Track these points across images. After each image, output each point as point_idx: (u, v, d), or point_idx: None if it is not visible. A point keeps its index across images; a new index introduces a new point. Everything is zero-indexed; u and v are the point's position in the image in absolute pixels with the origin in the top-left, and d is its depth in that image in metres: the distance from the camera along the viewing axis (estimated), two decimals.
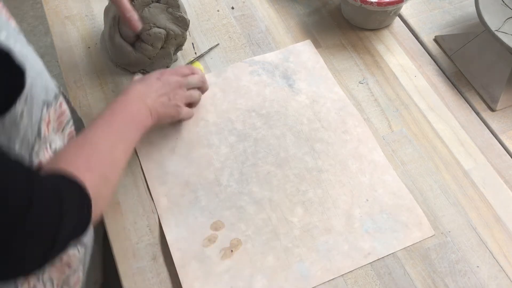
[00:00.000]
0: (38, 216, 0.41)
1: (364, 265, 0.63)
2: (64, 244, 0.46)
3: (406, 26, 0.87)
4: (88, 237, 0.65)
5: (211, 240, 0.64)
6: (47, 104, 0.51)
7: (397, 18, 0.88)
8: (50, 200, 0.43)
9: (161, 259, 0.64)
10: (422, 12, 0.89)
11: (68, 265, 0.58)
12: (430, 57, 0.83)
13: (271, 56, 0.82)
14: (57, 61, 0.82)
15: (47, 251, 0.43)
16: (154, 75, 0.68)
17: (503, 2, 0.76)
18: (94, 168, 0.52)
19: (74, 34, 0.84)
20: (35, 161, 0.51)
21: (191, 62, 0.80)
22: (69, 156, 0.52)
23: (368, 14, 0.82)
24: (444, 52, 0.83)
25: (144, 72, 0.79)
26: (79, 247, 0.61)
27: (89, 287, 0.70)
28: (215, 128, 0.74)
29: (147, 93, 0.65)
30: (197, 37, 0.85)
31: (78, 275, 0.62)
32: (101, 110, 0.61)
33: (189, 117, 0.73)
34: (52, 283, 0.56)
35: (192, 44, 0.84)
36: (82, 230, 0.48)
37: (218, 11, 0.89)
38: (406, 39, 0.85)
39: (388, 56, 0.83)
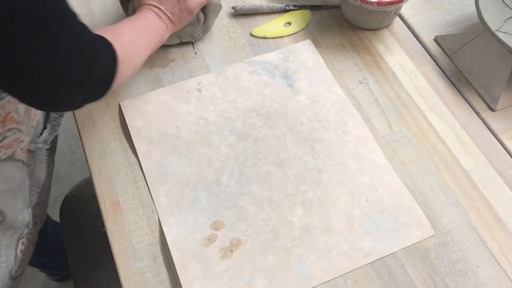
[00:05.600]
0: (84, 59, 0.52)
1: (364, 265, 0.63)
2: (92, 88, 0.54)
3: (406, 26, 0.87)
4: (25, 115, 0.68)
5: (211, 239, 0.64)
6: None
7: (397, 18, 0.88)
8: (95, 51, 0.53)
9: (161, 259, 0.64)
10: (422, 12, 0.89)
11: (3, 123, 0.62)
12: (430, 57, 0.83)
13: (271, 56, 0.82)
14: None
15: (79, 87, 0.52)
16: None
17: (503, 2, 0.76)
18: (121, 45, 0.59)
19: None
20: None
21: None
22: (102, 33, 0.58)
23: (368, 14, 0.82)
24: (444, 52, 0.83)
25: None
26: (19, 106, 0.64)
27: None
28: (215, 127, 0.74)
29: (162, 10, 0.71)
30: None
31: (16, 137, 0.65)
32: None
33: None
34: None
35: (192, 44, 0.84)
36: (105, 87, 0.57)
37: None
38: (406, 39, 0.85)
39: (388, 56, 0.83)
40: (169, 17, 0.71)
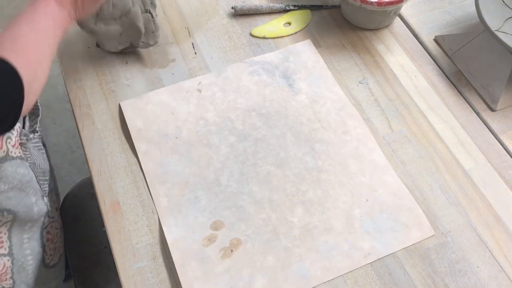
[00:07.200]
0: None
1: (364, 265, 0.63)
2: None
3: (406, 26, 0.87)
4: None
5: (211, 239, 0.64)
6: None
7: (397, 18, 0.88)
8: None
9: (161, 259, 0.64)
10: (422, 12, 0.89)
11: None
12: (430, 57, 0.83)
13: (271, 56, 0.82)
14: (57, 61, 0.82)
15: None
16: None
17: (503, 2, 0.76)
18: (28, 64, 0.53)
19: (74, 34, 0.84)
20: None
21: None
22: (3, 50, 0.52)
23: (368, 14, 0.82)
24: (444, 52, 0.83)
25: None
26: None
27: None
28: (215, 127, 0.74)
29: None
30: (197, 37, 0.85)
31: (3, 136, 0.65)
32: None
33: None
34: None
35: (192, 44, 0.84)
36: (13, 116, 0.51)
37: (218, 11, 0.89)
38: (406, 39, 0.85)
39: (388, 56, 0.83)
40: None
